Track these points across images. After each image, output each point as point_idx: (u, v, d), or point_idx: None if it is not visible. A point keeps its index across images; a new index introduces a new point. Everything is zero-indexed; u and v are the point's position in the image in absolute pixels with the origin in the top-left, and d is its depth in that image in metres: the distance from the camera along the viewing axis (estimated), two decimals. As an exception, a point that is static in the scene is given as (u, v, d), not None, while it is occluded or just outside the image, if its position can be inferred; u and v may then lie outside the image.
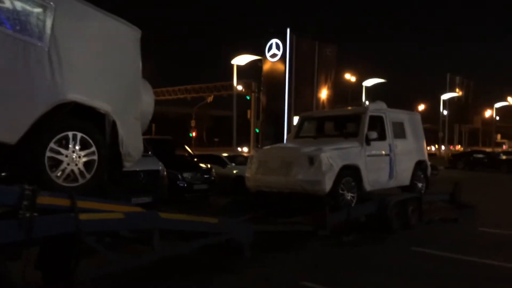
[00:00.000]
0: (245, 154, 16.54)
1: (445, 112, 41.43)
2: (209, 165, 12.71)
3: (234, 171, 13.88)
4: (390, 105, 10.16)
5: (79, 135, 4.48)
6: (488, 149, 42.49)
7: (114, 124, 4.74)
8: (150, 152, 9.72)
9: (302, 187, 7.80)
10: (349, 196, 8.18)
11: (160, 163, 9.34)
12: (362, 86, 36.09)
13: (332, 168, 7.80)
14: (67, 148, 4.39)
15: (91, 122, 4.63)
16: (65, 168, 4.38)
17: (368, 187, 8.58)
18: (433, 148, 54.27)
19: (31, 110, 4.05)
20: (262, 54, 23.57)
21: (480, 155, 31.75)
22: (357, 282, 5.67)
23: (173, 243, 5.71)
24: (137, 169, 8.67)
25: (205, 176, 12.10)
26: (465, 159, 31.65)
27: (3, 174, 4.77)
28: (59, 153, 4.32)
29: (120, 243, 5.52)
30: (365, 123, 8.79)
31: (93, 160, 4.60)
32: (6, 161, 4.35)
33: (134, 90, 5.13)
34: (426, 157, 10.73)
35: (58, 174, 4.33)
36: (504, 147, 67.79)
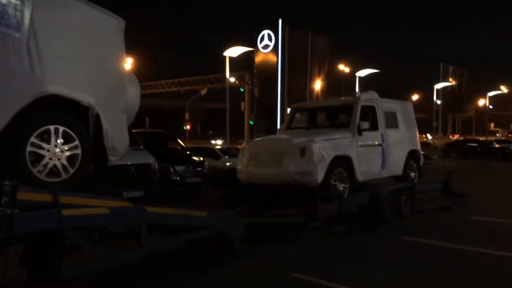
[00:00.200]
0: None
1: (438, 102, 41.40)
2: (201, 158, 12.63)
3: (227, 164, 13.81)
4: (384, 95, 10.08)
5: (61, 128, 4.36)
6: (482, 138, 42.61)
7: (97, 117, 4.62)
8: (141, 146, 9.64)
9: (294, 179, 7.73)
10: (341, 186, 8.12)
11: (151, 156, 9.25)
12: (355, 76, 35.98)
13: (324, 159, 7.74)
14: (49, 142, 4.28)
15: (73, 115, 4.51)
16: (47, 163, 4.27)
17: (360, 177, 8.54)
18: (429, 137, 54.47)
19: (9, 104, 3.92)
20: (254, 45, 23.32)
21: (474, 144, 31.84)
22: (349, 273, 5.63)
23: (162, 238, 5.61)
24: (128, 163, 8.61)
25: (198, 169, 12.03)
26: (459, 148, 31.76)
27: None
28: (41, 147, 4.21)
29: (108, 238, 5.43)
30: (357, 113, 8.72)
31: (76, 155, 4.49)
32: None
33: (118, 82, 5.01)
34: (418, 147, 10.70)
35: (40, 169, 4.22)
36: (498, 134, 68.20)
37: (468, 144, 32.25)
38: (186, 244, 5.85)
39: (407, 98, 46.21)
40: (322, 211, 7.24)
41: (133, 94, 5.33)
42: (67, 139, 4.42)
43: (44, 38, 4.15)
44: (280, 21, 22.81)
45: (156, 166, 9.24)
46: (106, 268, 4.83)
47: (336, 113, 9.62)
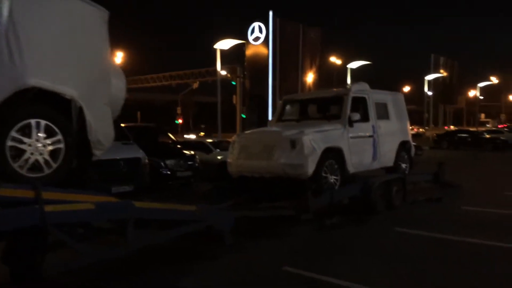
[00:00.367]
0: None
1: (429, 93, 41.55)
2: (192, 152, 12.53)
3: (219, 157, 13.70)
4: (375, 87, 10.02)
5: (42, 122, 4.24)
6: (473, 129, 42.90)
7: (81, 110, 4.51)
8: (131, 140, 9.52)
9: (284, 171, 7.66)
10: (332, 179, 8.07)
11: (141, 150, 9.13)
12: (347, 69, 35.94)
13: (315, 151, 7.67)
14: (30, 136, 4.16)
15: (56, 108, 4.39)
16: (29, 157, 4.15)
17: (351, 169, 8.48)
18: (421, 129, 54.76)
19: None
20: (245, 38, 23.19)
21: (465, 135, 32.02)
22: (341, 266, 5.58)
23: (151, 232, 5.52)
24: (118, 158, 8.50)
25: (189, 163, 11.90)
26: (450, 138, 31.91)
27: None
28: (22, 142, 4.09)
29: (95, 234, 5.32)
30: (348, 105, 8.65)
31: (59, 149, 4.37)
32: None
33: (102, 74, 4.88)
34: (410, 138, 10.67)
35: (22, 164, 4.10)
36: (489, 125, 68.72)
37: (459, 135, 32.43)
38: (176, 238, 5.78)
39: (398, 89, 46.22)
40: (313, 203, 7.18)
41: (118, 86, 5.21)
42: (49, 133, 4.31)
43: (24, 29, 4.01)
44: (270, 13, 22.68)
45: (146, 161, 9.13)
46: (94, 265, 4.74)
47: (327, 105, 9.53)
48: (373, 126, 9.22)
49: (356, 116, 8.57)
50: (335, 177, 8.13)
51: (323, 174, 7.88)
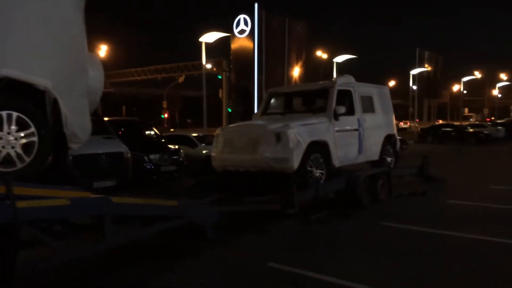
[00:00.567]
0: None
1: (414, 87, 41.83)
2: (177, 146, 12.34)
3: (204, 152, 13.53)
4: (362, 81, 9.95)
5: (14, 114, 4.04)
6: (456, 123, 43.37)
7: (56, 102, 4.31)
8: (113, 134, 9.31)
9: (269, 165, 7.55)
10: (317, 173, 7.99)
11: (123, 145, 8.94)
12: (333, 62, 35.94)
13: (300, 144, 7.57)
14: (1, 129, 3.96)
15: (29, 100, 4.19)
16: (0, 151, 3.95)
17: (337, 163, 8.42)
18: (408, 124, 55.16)
19: None
20: (231, 30, 22.94)
21: (449, 129, 32.33)
22: (326, 261, 5.51)
23: (131, 229, 5.37)
24: (99, 152, 8.33)
25: (173, 157, 11.74)
26: (434, 133, 32.17)
27: None
28: None
29: (73, 231, 5.14)
30: (333, 98, 8.57)
31: (32, 142, 4.18)
32: None
33: (78, 64, 4.67)
34: (395, 131, 10.66)
35: (-8, 159, 3.91)
36: (472, 119, 69.70)
37: (443, 129, 32.72)
38: (158, 234, 5.62)
39: (384, 83, 46.43)
40: (298, 198, 7.10)
41: (95, 77, 5.01)
42: (22, 126, 4.11)
43: None
44: (256, 5, 22.45)
45: (129, 155, 8.95)
46: (73, 262, 4.57)
47: (312, 98, 9.43)
48: (358, 120, 9.16)
49: (342, 109, 8.50)
50: (320, 171, 8.06)
51: (309, 168, 7.79)
